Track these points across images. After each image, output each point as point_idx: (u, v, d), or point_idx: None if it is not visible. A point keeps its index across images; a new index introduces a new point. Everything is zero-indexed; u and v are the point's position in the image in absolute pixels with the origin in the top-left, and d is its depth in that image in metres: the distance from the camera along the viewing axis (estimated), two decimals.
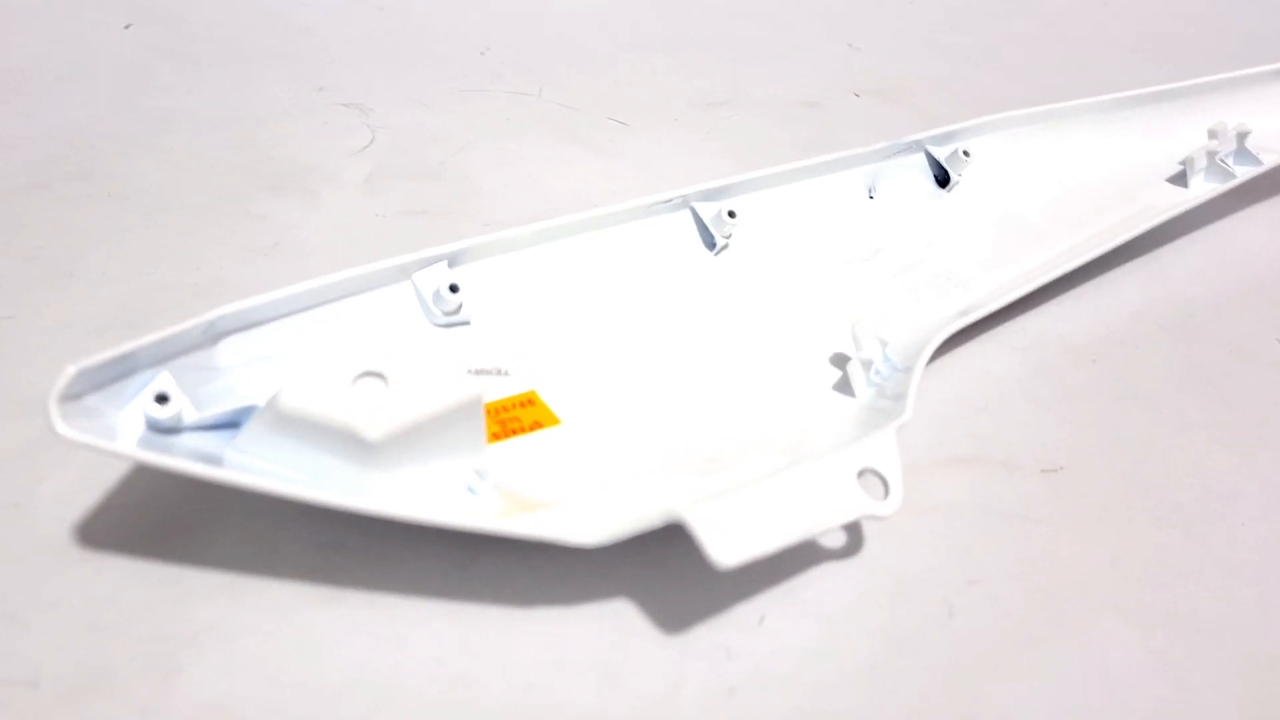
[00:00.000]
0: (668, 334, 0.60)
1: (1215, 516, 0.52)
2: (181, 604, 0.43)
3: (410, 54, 0.98)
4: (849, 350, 0.58)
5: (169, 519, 0.46)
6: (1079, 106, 0.77)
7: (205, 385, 0.48)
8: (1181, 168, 0.74)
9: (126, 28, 1.00)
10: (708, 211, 0.66)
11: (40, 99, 0.83)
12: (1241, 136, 0.74)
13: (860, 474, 0.46)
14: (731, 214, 0.66)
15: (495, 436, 0.53)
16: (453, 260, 0.58)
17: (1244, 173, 0.73)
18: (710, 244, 0.67)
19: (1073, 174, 0.76)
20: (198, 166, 0.76)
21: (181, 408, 0.45)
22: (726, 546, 0.41)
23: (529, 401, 0.56)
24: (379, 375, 0.44)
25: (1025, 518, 0.51)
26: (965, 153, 0.74)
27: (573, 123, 0.87)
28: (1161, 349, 0.63)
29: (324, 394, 0.43)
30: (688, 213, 0.66)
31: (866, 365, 0.57)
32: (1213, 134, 0.73)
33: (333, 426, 0.42)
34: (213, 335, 0.49)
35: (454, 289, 0.57)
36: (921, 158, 0.75)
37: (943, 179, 0.75)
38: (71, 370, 0.41)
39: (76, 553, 0.45)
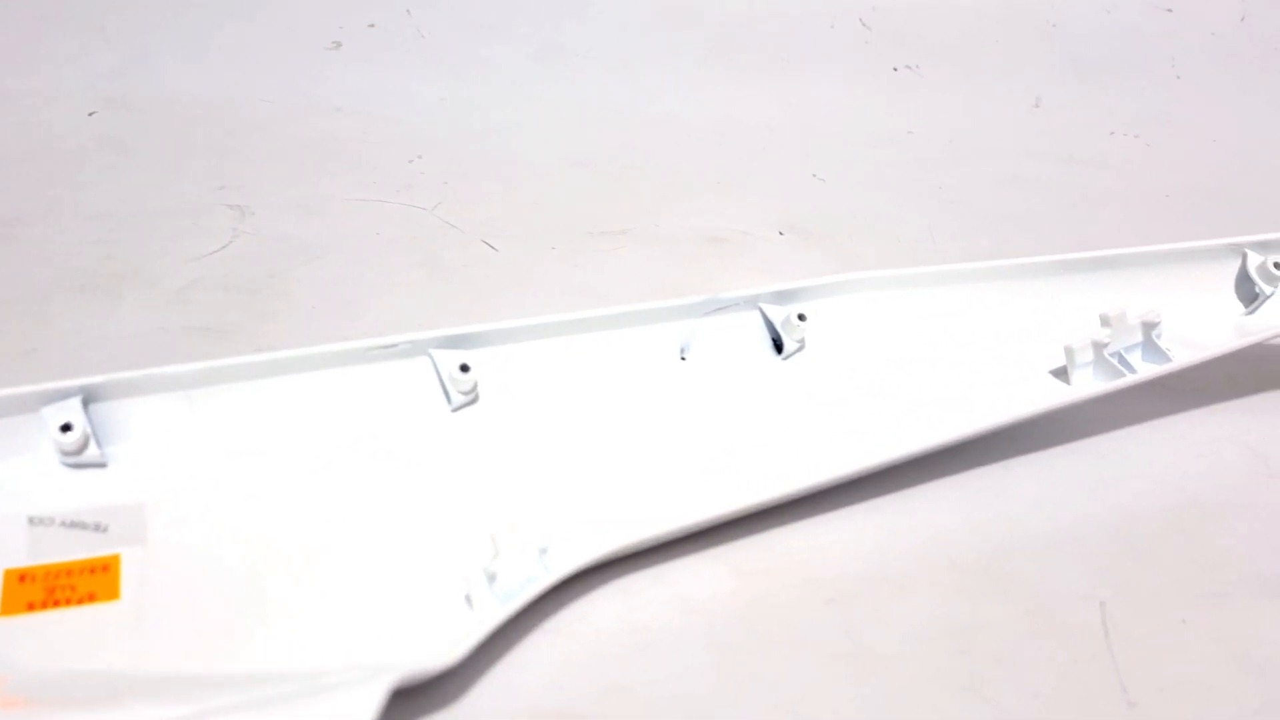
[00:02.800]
0: (383, 511, 0.51)
1: None
2: None
3: (340, 156, 0.95)
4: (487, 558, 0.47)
5: None
6: (961, 272, 0.63)
7: None
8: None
9: (90, 115, 1.01)
10: (446, 363, 0.57)
11: None
12: (1149, 327, 0.58)
13: None
14: (465, 368, 0.57)
15: (29, 607, 0.46)
16: (91, 395, 0.52)
17: (1145, 370, 0.58)
18: (450, 400, 0.57)
19: (935, 353, 0.62)
20: (39, 255, 0.75)
21: None
22: None
23: (103, 567, 0.49)
24: None
25: None
26: (800, 316, 0.62)
27: (442, 243, 0.81)
28: (934, 598, 0.49)
29: None
30: (427, 361, 0.58)
31: (490, 578, 0.46)
32: (1105, 321, 0.58)
33: None
34: None
35: (66, 428, 0.50)
36: (758, 316, 0.64)
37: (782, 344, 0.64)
38: None
39: None
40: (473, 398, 0.58)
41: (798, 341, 0.63)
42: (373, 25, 1.09)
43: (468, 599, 0.46)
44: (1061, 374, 0.59)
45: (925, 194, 0.91)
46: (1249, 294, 0.62)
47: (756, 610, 0.48)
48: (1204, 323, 0.62)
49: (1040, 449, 0.59)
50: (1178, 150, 1.00)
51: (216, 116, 0.99)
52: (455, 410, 0.58)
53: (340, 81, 1.05)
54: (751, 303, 0.63)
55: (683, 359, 0.62)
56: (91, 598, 0.47)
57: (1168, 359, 0.58)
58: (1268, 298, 0.62)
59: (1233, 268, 0.63)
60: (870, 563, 0.51)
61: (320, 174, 0.91)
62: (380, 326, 0.67)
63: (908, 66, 1.06)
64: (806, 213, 0.87)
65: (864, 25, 1.08)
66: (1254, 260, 0.62)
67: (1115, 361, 0.58)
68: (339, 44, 1.08)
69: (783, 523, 0.53)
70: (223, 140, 0.96)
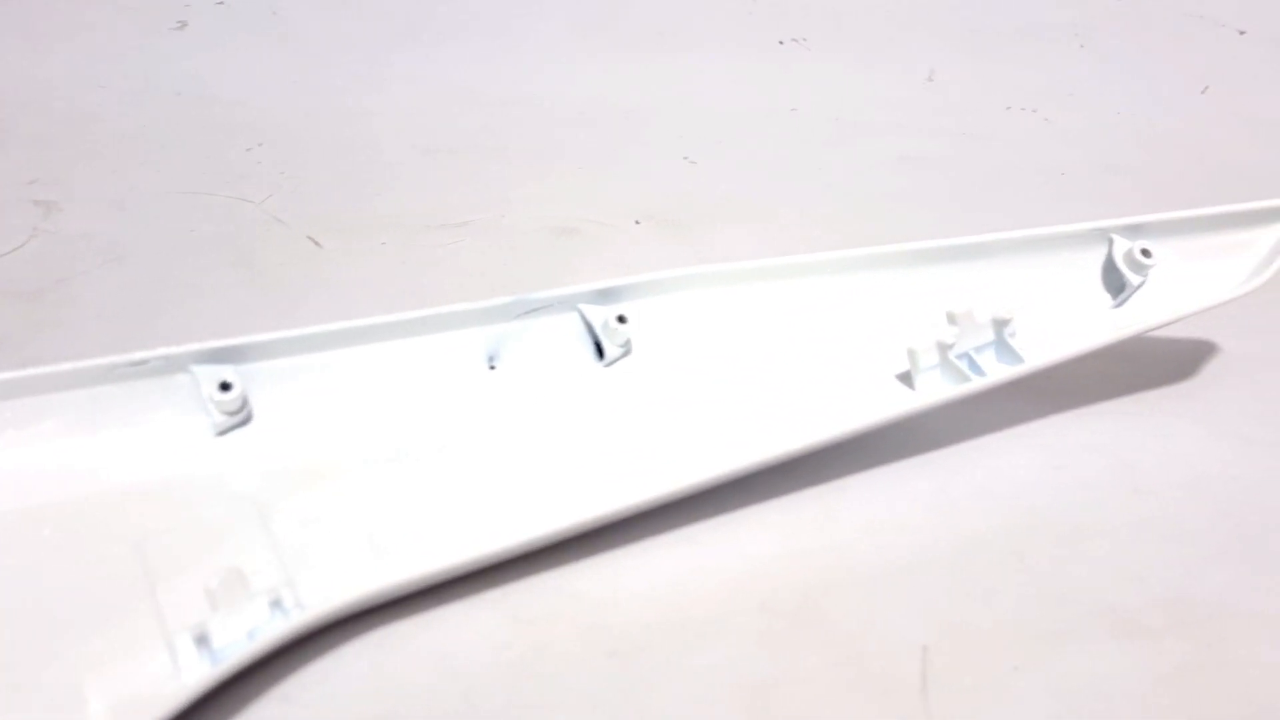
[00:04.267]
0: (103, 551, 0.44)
1: None
2: None
3: (171, 146, 0.87)
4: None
5: None
6: (800, 265, 0.57)
7: None
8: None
9: None
10: (207, 380, 0.50)
11: None
12: (1000, 325, 0.52)
13: None
14: (226, 386, 0.50)
15: None
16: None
17: (996, 373, 0.51)
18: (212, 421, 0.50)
19: (771, 357, 0.56)
20: None
21: None
22: None
23: None
24: None
25: None
26: (621, 318, 0.56)
27: (262, 240, 0.73)
28: (734, 647, 0.42)
29: None
30: (186, 378, 0.51)
31: (199, 639, 0.39)
32: (952, 319, 0.52)
33: None
34: None
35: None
36: (577, 319, 0.57)
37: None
38: None
39: None
40: (239, 419, 0.51)
41: (621, 346, 0.56)
42: (221, 2, 1.01)
43: (175, 660, 0.39)
44: (907, 379, 0.53)
45: (804, 176, 0.84)
46: (1116, 284, 0.56)
47: (526, 668, 0.41)
48: (1067, 317, 0.56)
49: (881, 464, 0.52)
50: (1078, 125, 0.93)
51: (41, 104, 0.91)
52: (220, 434, 0.51)
53: (183, 65, 0.96)
54: (569, 303, 0.57)
55: (491, 368, 0.56)
56: None
57: (1020, 360, 0.51)
58: (1135, 289, 0.55)
59: (1099, 256, 0.56)
60: (668, 606, 0.44)
61: (145, 165, 0.83)
62: (170, 336, 0.60)
63: (794, 39, 0.99)
64: (672, 199, 0.80)
65: None
66: (1120, 247, 0.55)
67: (963, 364, 0.52)
68: (184, 24, 1.00)
69: (578, 557, 0.47)
70: (44, 130, 0.87)
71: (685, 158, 0.86)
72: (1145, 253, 0.55)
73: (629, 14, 1.01)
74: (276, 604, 0.41)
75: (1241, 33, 1.01)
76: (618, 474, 0.50)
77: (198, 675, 0.38)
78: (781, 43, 0.98)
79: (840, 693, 0.40)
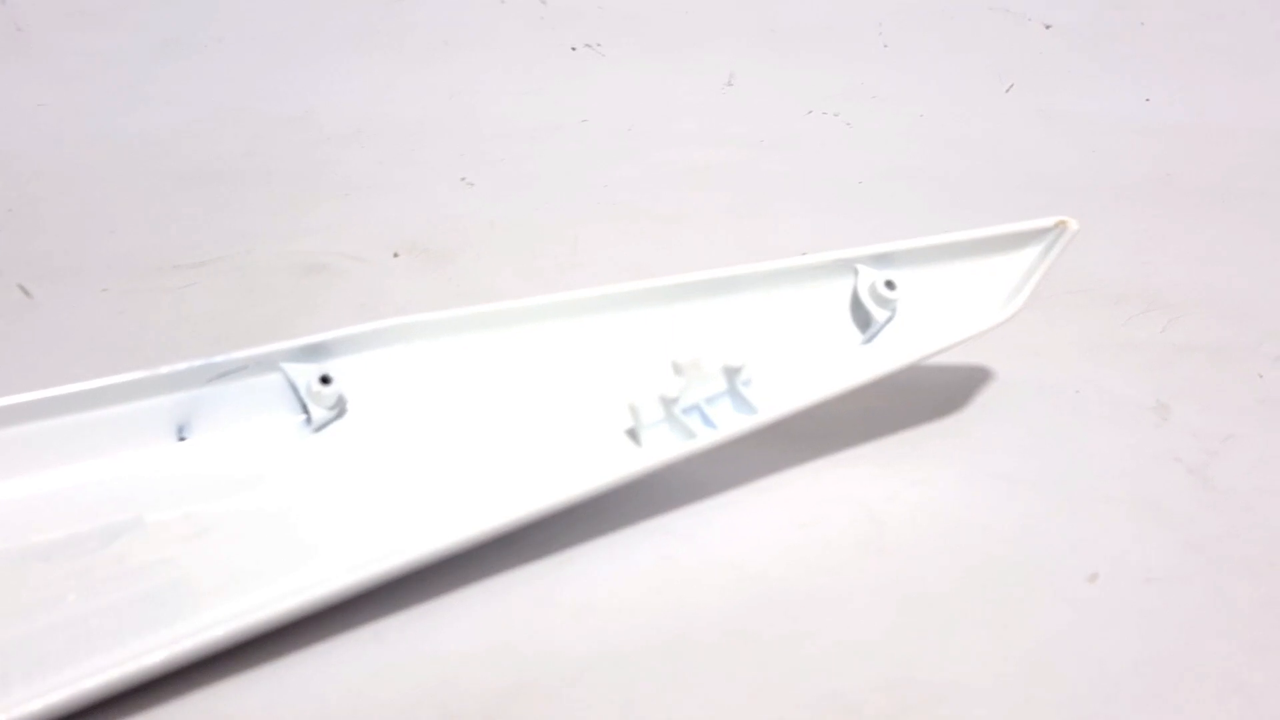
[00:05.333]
0: None
1: None
2: None
3: None
4: None
5: None
6: (530, 309, 0.51)
7: None
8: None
9: None
10: None
11: None
12: (732, 373, 0.47)
13: None
14: None
15: None
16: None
17: (730, 426, 0.46)
18: None
19: (498, 414, 0.50)
20: None
21: None
22: None
23: None
24: None
25: None
26: (324, 379, 0.50)
27: None
28: None
29: None
30: None
31: None
32: (678, 369, 0.47)
33: None
34: None
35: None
36: (281, 380, 0.51)
37: None
38: None
39: None
40: None
41: (330, 409, 0.50)
42: None
43: None
44: (634, 435, 0.48)
45: (588, 194, 0.79)
46: (865, 320, 0.51)
47: None
48: (815, 357, 0.51)
49: (608, 532, 0.47)
50: (879, 129, 0.89)
51: None
52: None
53: None
54: (269, 363, 0.50)
55: (181, 440, 0.49)
56: None
57: (754, 411, 0.47)
58: (883, 325, 0.51)
59: (848, 288, 0.52)
60: None
61: None
62: None
63: (588, 45, 0.93)
64: (440, 226, 0.74)
65: (539, 0, 0.95)
66: (866, 279, 0.51)
67: (693, 418, 0.47)
68: None
69: (241, 669, 0.40)
70: None
71: (463, 178, 0.81)
72: (889, 284, 0.50)
73: (414, 22, 0.95)
74: None
75: (1047, 27, 0.98)
76: (305, 561, 0.44)
77: None
78: (574, 49, 0.92)
79: None
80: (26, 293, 0.65)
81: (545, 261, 0.70)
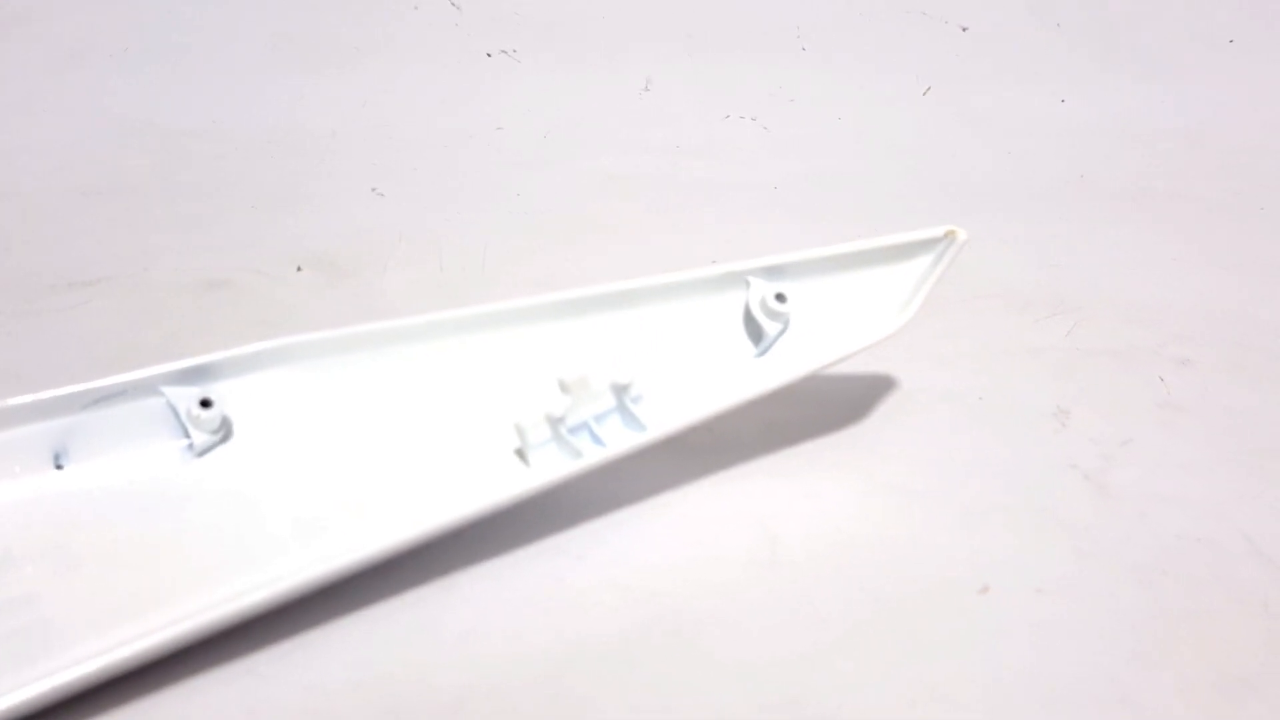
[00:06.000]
0: None
1: None
2: None
3: None
4: None
5: None
6: (414, 327, 0.50)
7: None
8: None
9: None
10: None
11: None
12: (620, 390, 0.46)
13: None
14: None
15: None
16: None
17: (618, 444, 0.46)
18: None
19: (381, 436, 0.49)
20: None
21: None
22: None
23: None
24: None
25: None
26: (204, 402, 0.49)
27: None
28: None
29: None
30: None
31: None
32: (564, 387, 0.46)
33: None
34: None
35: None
36: (162, 404, 0.49)
37: None
38: None
39: None
40: None
41: (213, 433, 0.49)
42: None
43: None
44: (522, 455, 0.47)
45: (498, 203, 0.78)
46: (757, 334, 0.51)
47: None
48: (708, 371, 0.51)
49: (497, 555, 0.46)
50: (797, 134, 0.89)
51: None
52: None
53: None
54: (149, 387, 0.49)
55: (58, 467, 0.48)
56: None
57: (643, 429, 0.46)
58: (775, 338, 0.50)
59: (740, 301, 0.51)
60: None
61: None
62: None
63: (503, 51, 0.92)
64: (348, 239, 0.73)
65: (454, 5, 0.94)
66: (757, 292, 0.50)
67: (581, 436, 0.46)
68: None
69: (118, 703, 0.39)
70: None
71: (374, 189, 0.79)
72: (780, 297, 0.50)
73: (326, 29, 0.93)
74: None
75: (964, 29, 0.98)
76: (181, 593, 0.43)
77: None
78: (490, 55, 0.92)
79: None
80: None
81: (453, 275, 0.69)
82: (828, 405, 0.56)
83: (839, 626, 0.44)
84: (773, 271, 0.51)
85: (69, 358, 0.60)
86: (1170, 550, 0.48)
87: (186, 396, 0.49)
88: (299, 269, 0.69)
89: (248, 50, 0.91)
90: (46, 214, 0.76)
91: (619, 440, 0.47)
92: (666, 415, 0.47)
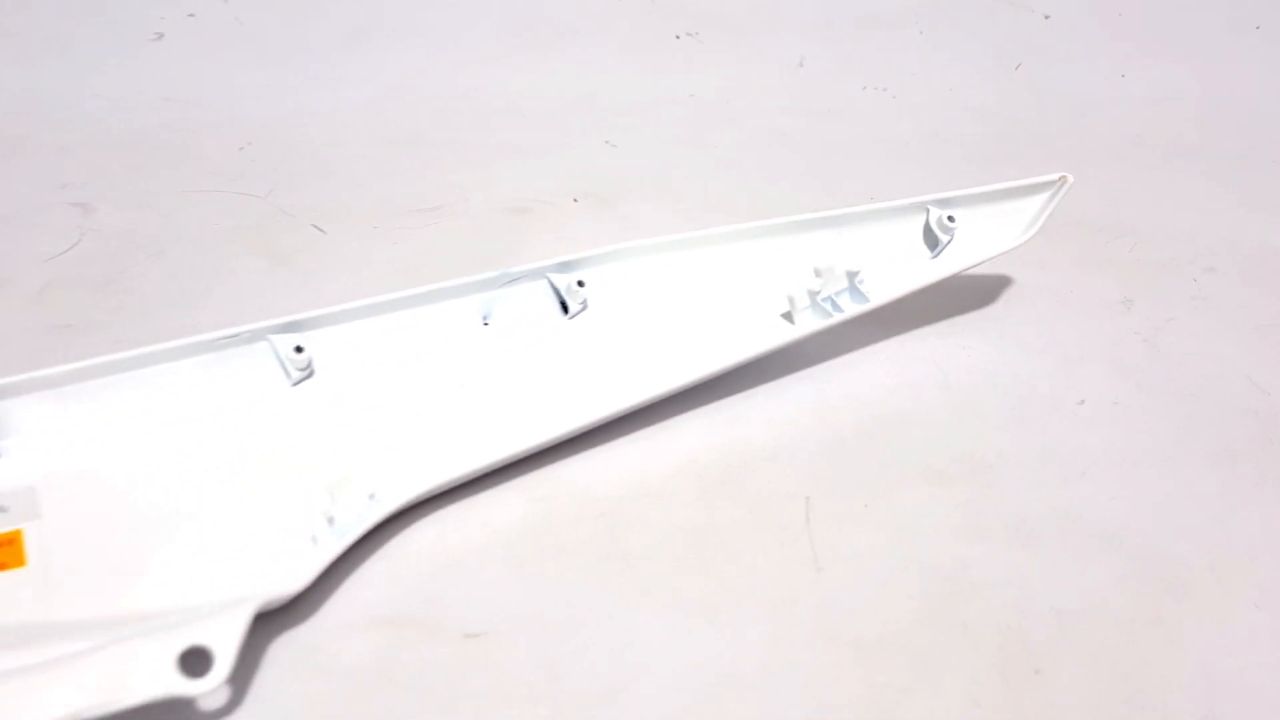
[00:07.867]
0: (237, 474, 0.62)
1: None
2: None
3: (173, 148, 1.03)
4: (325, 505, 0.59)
5: None
6: (707, 236, 0.77)
7: None
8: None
9: None
10: (283, 346, 0.68)
11: None
12: (852, 275, 0.74)
13: (184, 653, 0.48)
14: (299, 349, 0.68)
15: None
16: None
17: (851, 310, 0.73)
18: (289, 376, 0.68)
19: (691, 305, 0.76)
20: None
21: None
22: None
23: (8, 541, 0.59)
24: None
25: (419, 689, 0.51)
26: (580, 283, 0.75)
27: (275, 229, 0.90)
28: (680, 506, 0.63)
29: None
30: (265, 345, 0.68)
31: (329, 521, 0.59)
32: (818, 272, 0.73)
33: None
34: None
35: None
36: (546, 284, 0.76)
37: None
38: None
39: None
40: (308, 373, 0.69)
41: (580, 303, 0.76)
42: (193, 15, 1.16)
43: (313, 538, 0.58)
44: (789, 317, 0.74)
45: (702, 154, 1.05)
46: (933, 242, 0.78)
47: (543, 527, 0.61)
48: (900, 267, 0.78)
49: (774, 379, 0.73)
50: (919, 101, 1.16)
51: (48, 115, 1.06)
52: (295, 385, 0.69)
53: (166, 73, 1.12)
54: (540, 274, 0.75)
55: (485, 325, 0.74)
56: (3, 566, 0.57)
57: (867, 300, 0.73)
58: (945, 245, 0.77)
59: (921, 221, 0.79)
60: (633, 483, 0.65)
61: (156, 167, 0.99)
62: (223, 313, 0.78)
63: (688, 34, 1.19)
64: (599, 179, 1.00)
65: None
66: (934, 215, 0.78)
67: (828, 305, 0.73)
68: (161, 35, 1.14)
69: (565, 456, 0.66)
70: (58, 139, 1.02)
71: (606, 141, 1.06)
72: (950, 219, 0.77)
73: (542, 15, 1.20)
74: (372, 496, 0.60)
75: (1046, 17, 1.24)
76: (586, 396, 0.69)
77: (331, 546, 0.58)
78: (678, 37, 1.18)
79: (753, 528, 0.62)
80: (321, 230, 0.91)
81: (685, 203, 0.96)
82: (975, 291, 0.84)
83: (989, 424, 0.71)
84: (943, 202, 0.78)
85: (445, 258, 0.87)
86: (1197, 384, 0.75)
87: (564, 280, 0.75)
88: (575, 200, 0.96)
89: (485, 33, 1.18)
90: (369, 160, 1.03)
91: (850, 308, 0.74)
92: (880, 292, 0.74)
